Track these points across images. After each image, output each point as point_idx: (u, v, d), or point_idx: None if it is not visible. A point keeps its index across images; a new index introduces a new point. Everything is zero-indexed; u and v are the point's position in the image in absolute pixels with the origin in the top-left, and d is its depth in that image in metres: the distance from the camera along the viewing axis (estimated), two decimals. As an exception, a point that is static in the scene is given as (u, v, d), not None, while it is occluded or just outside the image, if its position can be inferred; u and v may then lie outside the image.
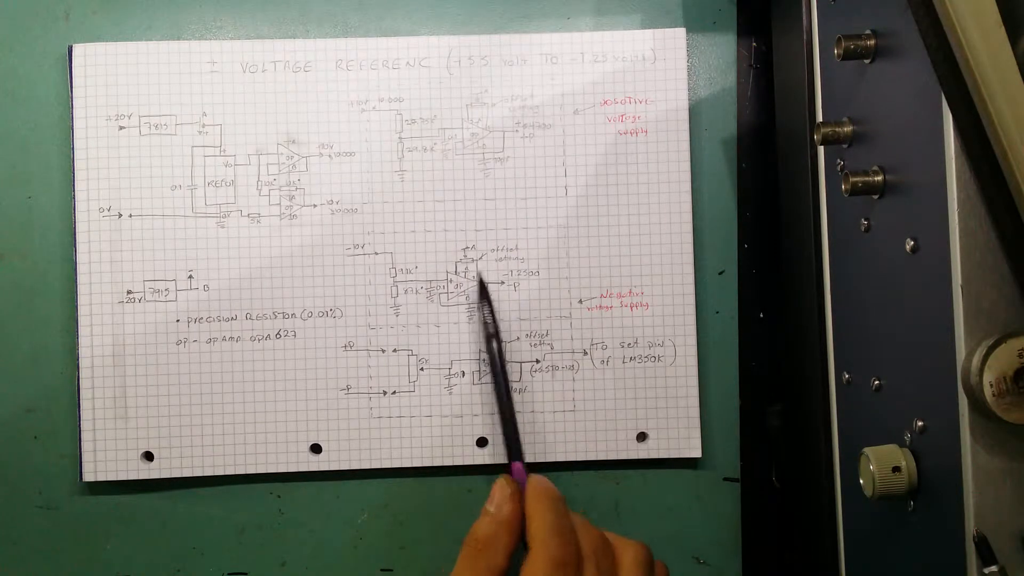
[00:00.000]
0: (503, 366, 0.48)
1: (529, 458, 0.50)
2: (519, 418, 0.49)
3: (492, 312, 0.49)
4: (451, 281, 0.50)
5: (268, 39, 0.51)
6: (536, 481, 0.43)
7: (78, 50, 0.50)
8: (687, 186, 0.50)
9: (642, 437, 0.50)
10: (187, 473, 0.49)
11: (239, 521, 0.50)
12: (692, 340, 0.50)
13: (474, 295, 0.50)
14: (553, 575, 0.40)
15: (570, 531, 0.42)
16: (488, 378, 0.50)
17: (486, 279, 0.50)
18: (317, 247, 0.50)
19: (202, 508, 0.50)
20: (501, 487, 0.43)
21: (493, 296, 0.50)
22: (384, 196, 0.50)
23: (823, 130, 0.40)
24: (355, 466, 0.50)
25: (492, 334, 0.49)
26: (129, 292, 0.49)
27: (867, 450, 0.36)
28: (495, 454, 0.50)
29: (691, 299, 0.50)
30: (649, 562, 0.43)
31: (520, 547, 0.42)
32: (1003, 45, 0.29)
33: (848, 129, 0.40)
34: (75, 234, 0.49)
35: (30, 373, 0.50)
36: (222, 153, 0.50)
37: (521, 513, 0.43)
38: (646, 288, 0.50)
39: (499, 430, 0.48)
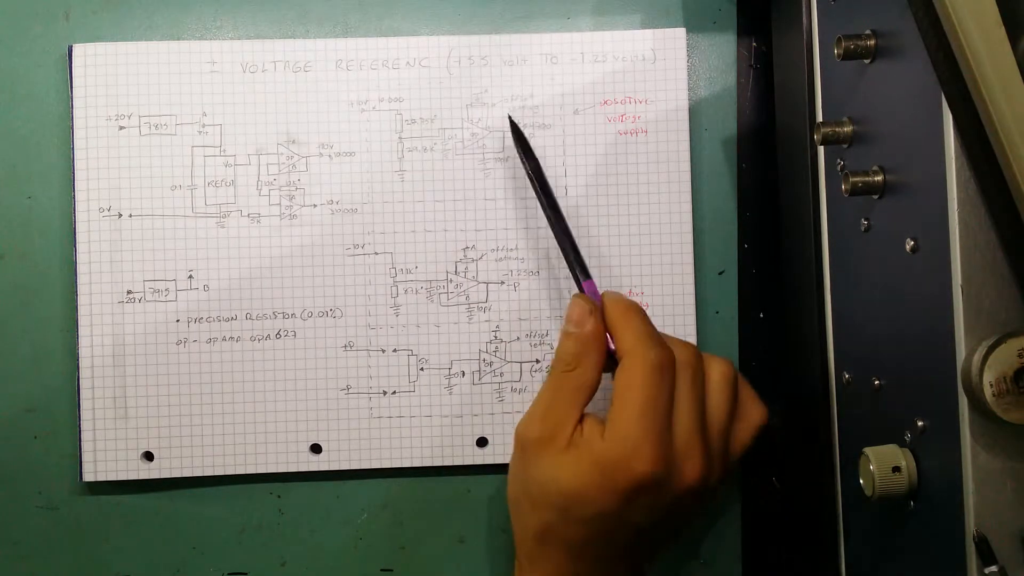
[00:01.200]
0: (552, 198, 0.47)
1: (529, 458, 0.50)
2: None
3: (527, 151, 0.48)
4: (451, 281, 0.50)
5: (268, 39, 0.51)
6: (614, 295, 0.43)
7: (78, 50, 0.50)
8: (687, 186, 0.50)
9: (642, 437, 0.50)
10: (187, 473, 0.49)
11: (239, 521, 0.50)
12: (692, 340, 0.50)
13: (475, 295, 0.50)
14: (651, 377, 0.40)
15: (661, 338, 0.42)
16: (488, 378, 0.50)
17: (492, 284, 0.50)
18: (317, 247, 0.50)
19: (202, 508, 0.50)
20: (579, 304, 0.43)
21: (497, 296, 0.50)
22: (384, 196, 0.50)
23: (823, 130, 0.40)
24: (355, 466, 0.50)
25: (531, 170, 0.48)
26: (129, 292, 0.49)
27: (867, 450, 0.36)
28: (495, 454, 0.50)
29: (691, 299, 0.50)
30: (734, 379, 0.43)
31: (606, 364, 0.42)
32: (1003, 45, 0.29)
33: (848, 129, 0.40)
34: (75, 234, 0.49)
35: (30, 373, 0.50)
36: (222, 153, 0.50)
37: (603, 328, 0.42)
38: (646, 288, 0.50)
39: (500, 430, 0.48)
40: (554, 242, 0.48)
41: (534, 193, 0.48)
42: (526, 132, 0.50)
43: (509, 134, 0.50)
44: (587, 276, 0.46)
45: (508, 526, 0.50)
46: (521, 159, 0.49)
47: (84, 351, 0.49)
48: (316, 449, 0.50)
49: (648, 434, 0.40)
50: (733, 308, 0.51)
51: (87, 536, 0.50)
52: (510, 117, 0.49)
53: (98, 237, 0.49)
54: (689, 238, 0.50)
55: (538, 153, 0.50)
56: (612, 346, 0.43)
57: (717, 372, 0.43)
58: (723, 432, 0.43)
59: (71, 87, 0.50)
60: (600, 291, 0.45)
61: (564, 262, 0.47)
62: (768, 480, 0.51)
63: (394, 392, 0.50)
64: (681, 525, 0.45)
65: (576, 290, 0.46)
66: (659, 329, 0.43)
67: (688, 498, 0.41)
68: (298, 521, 0.50)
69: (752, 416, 0.45)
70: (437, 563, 0.51)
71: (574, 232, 0.47)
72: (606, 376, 0.43)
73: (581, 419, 0.42)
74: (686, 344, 0.43)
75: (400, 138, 0.50)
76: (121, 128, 0.50)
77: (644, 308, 0.44)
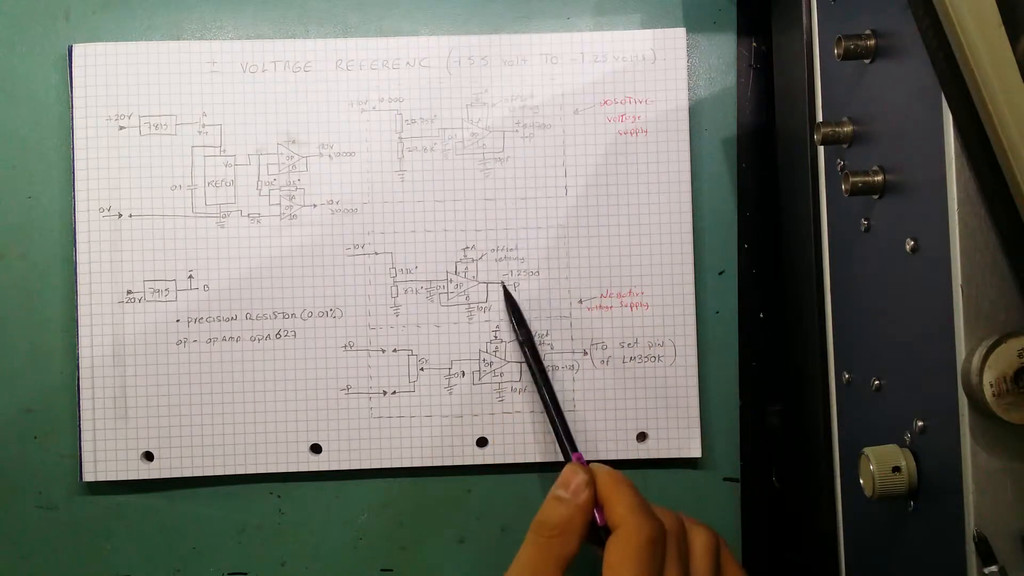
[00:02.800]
0: (541, 367, 0.48)
1: (529, 458, 0.50)
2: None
3: (519, 320, 0.49)
4: (451, 281, 0.50)
5: (268, 39, 0.51)
6: (603, 467, 0.44)
7: (78, 50, 0.50)
8: (687, 186, 0.50)
9: (642, 437, 0.50)
10: (187, 473, 0.49)
11: (239, 521, 0.50)
12: (692, 340, 0.50)
13: (475, 295, 0.50)
14: (644, 550, 0.40)
15: (652, 509, 0.42)
16: (488, 378, 0.50)
17: (492, 284, 0.50)
18: (317, 247, 0.50)
19: (202, 508, 0.50)
20: (575, 472, 0.43)
21: (497, 296, 0.50)
22: (384, 196, 0.50)
23: (823, 130, 0.40)
24: (355, 466, 0.50)
25: (523, 340, 0.49)
26: (129, 292, 0.49)
27: (867, 450, 0.36)
28: (495, 454, 0.50)
29: (691, 299, 0.50)
30: (716, 549, 0.44)
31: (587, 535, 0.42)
32: (1003, 45, 0.29)
33: (848, 129, 0.40)
34: (75, 234, 0.49)
35: (30, 373, 0.50)
36: (222, 153, 0.50)
37: (594, 500, 0.43)
38: (646, 288, 0.50)
39: (500, 430, 0.48)
40: (554, 242, 0.48)
41: (526, 363, 0.49)
42: (526, 132, 0.50)
43: (509, 135, 0.50)
44: (575, 449, 0.46)
45: (508, 526, 0.50)
46: (513, 328, 0.49)
47: (84, 351, 0.49)
48: (316, 449, 0.50)
49: None
50: (733, 308, 0.51)
51: (87, 536, 0.50)
52: (503, 284, 0.50)
53: (98, 237, 0.49)
54: (689, 238, 0.50)
55: (538, 153, 0.50)
56: (597, 517, 0.43)
57: (700, 543, 0.43)
58: None
59: (71, 87, 0.50)
60: (589, 463, 0.45)
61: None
62: (768, 480, 0.51)
63: (394, 392, 0.50)
64: None
65: (565, 458, 0.46)
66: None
67: None
68: (298, 521, 0.50)
69: None
70: (437, 563, 0.51)
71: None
72: None
73: None
74: (671, 513, 0.43)
75: (400, 138, 0.50)
76: (121, 128, 0.50)
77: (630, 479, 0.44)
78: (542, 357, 0.49)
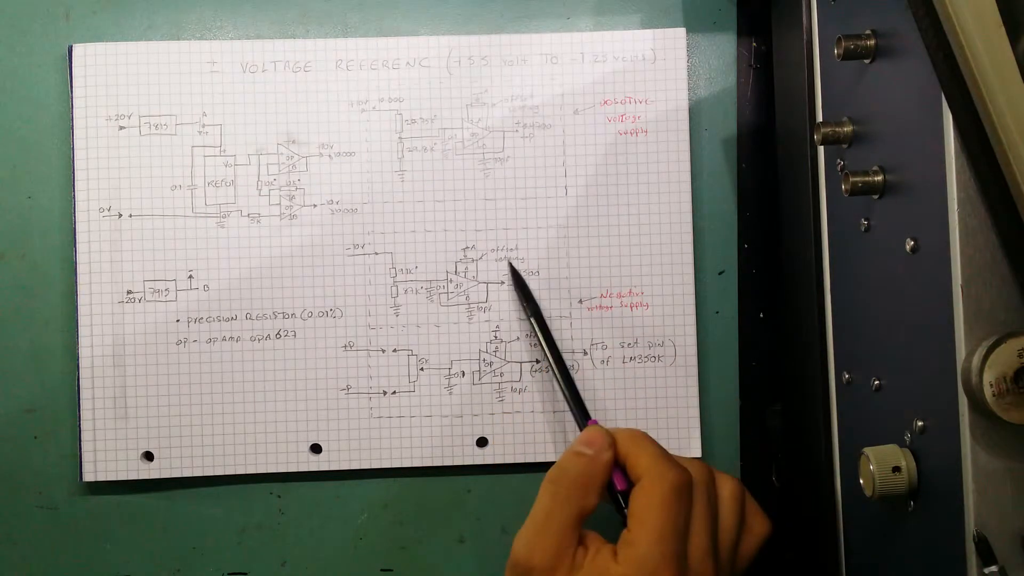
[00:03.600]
0: (551, 340, 0.48)
1: (528, 457, 0.50)
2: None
3: (527, 295, 0.49)
4: (451, 281, 0.50)
5: (268, 39, 0.51)
6: (627, 428, 0.43)
7: (78, 50, 0.50)
8: (687, 186, 0.50)
9: (642, 437, 0.50)
10: (187, 473, 0.49)
11: (239, 521, 0.50)
12: (692, 340, 0.50)
13: (475, 295, 0.50)
14: (670, 498, 0.39)
15: (677, 461, 0.41)
16: (488, 378, 0.50)
17: (492, 284, 0.50)
18: (317, 247, 0.50)
19: (202, 508, 0.50)
20: (598, 431, 0.42)
21: (497, 296, 0.50)
22: (384, 196, 0.50)
23: (823, 130, 0.40)
24: (355, 466, 0.50)
25: (532, 314, 0.49)
26: (129, 292, 0.49)
27: (867, 450, 0.36)
28: (495, 454, 0.50)
29: (691, 299, 0.50)
30: (743, 497, 0.43)
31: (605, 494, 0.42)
32: (1003, 45, 0.29)
33: (848, 129, 0.40)
34: (75, 234, 0.49)
35: (30, 373, 0.50)
36: (222, 153, 0.50)
37: (615, 462, 0.42)
38: (646, 288, 0.50)
39: (500, 430, 0.48)
40: (554, 242, 0.48)
41: (536, 338, 0.49)
42: (526, 132, 0.50)
43: (509, 135, 0.50)
44: (587, 416, 0.46)
45: (508, 526, 0.50)
46: (521, 303, 0.49)
47: (84, 351, 0.49)
48: (316, 449, 0.50)
49: (666, 558, 0.39)
50: (733, 308, 0.51)
51: (87, 536, 0.50)
52: (510, 262, 0.50)
53: (98, 237, 0.49)
54: (689, 238, 0.50)
55: (538, 153, 0.50)
56: (616, 481, 0.42)
57: (727, 491, 0.43)
58: (731, 548, 0.42)
59: (71, 87, 0.50)
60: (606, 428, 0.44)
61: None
62: (768, 480, 0.51)
63: (394, 392, 0.50)
64: None
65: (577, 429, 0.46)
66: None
67: None
68: (298, 521, 0.50)
69: (757, 529, 0.44)
70: (437, 563, 0.51)
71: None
72: None
73: (579, 541, 0.41)
74: (699, 462, 0.43)
75: (400, 138, 0.50)
76: (121, 128, 0.50)
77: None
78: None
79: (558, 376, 0.47)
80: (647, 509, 0.39)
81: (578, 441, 0.42)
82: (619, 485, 0.42)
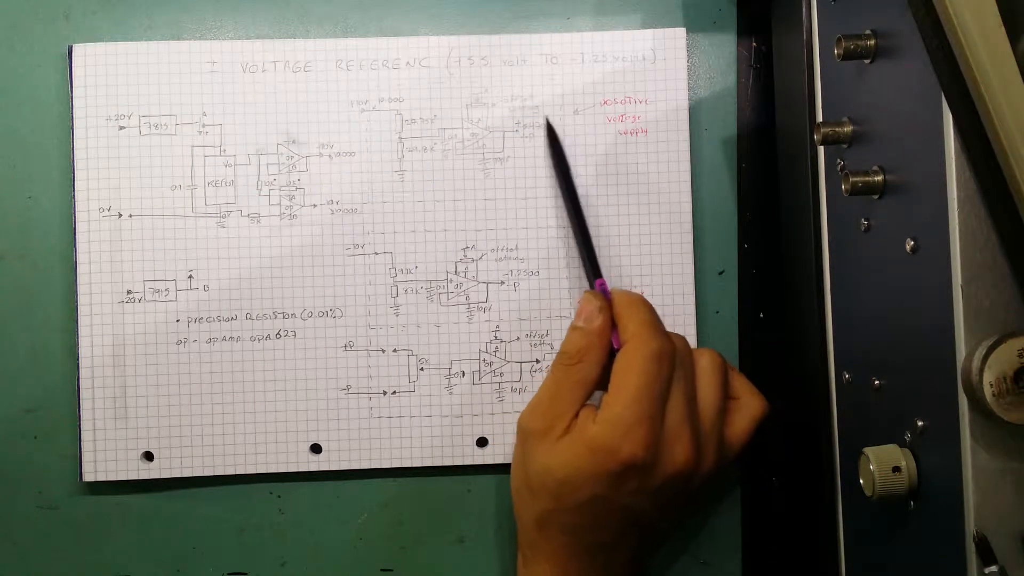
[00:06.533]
0: (573, 194, 0.49)
1: (529, 458, 0.50)
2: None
3: (558, 153, 0.50)
4: (451, 281, 0.50)
5: (268, 39, 0.51)
6: (624, 291, 0.45)
7: (78, 50, 0.50)
8: (687, 186, 0.50)
9: (642, 437, 0.50)
10: (187, 473, 0.49)
11: (239, 521, 0.50)
12: (692, 340, 0.50)
13: (475, 295, 0.50)
14: (649, 364, 0.41)
15: (663, 328, 0.44)
16: (488, 378, 0.50)
17: (492, 284, 0.50)
18: (317, 247, 0.50)
19: (202, 508, 0.50)
20: (589, 300, 0.45)
21: (497, 296, 0.50)
22: (384, 196, 0.50)
23: (823, 130, 0.40)
24: (355, 466, 0.50)
25: (556, 164, 0.49)
26: (129, 292, 0.49)
27: (867, 450, 0.36)
28: (495, 454, 0.50)
29: (691, 299, 0.50)
30: (723, 367, 0.45)
31: (610, 360, 0.43)
32: (1003, 45, 0.29)
33: (848, 129, 0.40)
34: (75, 234, 0.49)
35: (30, 373, 0.50)
36: (222, 153, 0.50)
37: (611, 326, 0.44)
38: (646, 288, 0.50)
39: (500, 430, 0.48)
40: (554, 242, 0.48)
41: (558, 186, 0.49)
42: (526, 132, 0.50)
43: (509, 135, 0.50)
44: (599, 274, 0.47)
45: (508, 526, 0.50)
46: (552, 157, 0.50)
47: (84, 351, 0.49)
48: (316, 449, 0.50)
49: (640, 418, 0.41)
50: (733, 308, 0.51)
51: (87, 536, 0.50)
52: (547, 120, 0.50)
53: (98, 237, 0.49)
54: (689, 238, 0.50)
55: (538, 153, 0.50)
56: (616, 344, 0.44)
57: (706, 361, 0.45)
58: (714, 419, 0.44)
59: (71, 87, 0.50)
60: (610, 289, 0.46)
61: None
62: (768, 480, 0.51)
63: (394, 392, 0.50)
64: (677, 515, 0.45)
65: (588, 287, 0.47)
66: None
67: (679, 482, 0.42)
68: (298, 521, 0.50)
69: (750, 408, 0.46)
70: (437, 563, 0.51)
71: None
72: None
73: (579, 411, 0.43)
74: (678, 336, 0.45)
75: (400, 138, 0.50)
76: (121, 128, 0.50)
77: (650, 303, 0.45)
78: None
79: (577, 231, 0.48)
80: (626, 372, 0.42)
81: (576, 312, 0.45)
82: (616, 344, 0.44)
